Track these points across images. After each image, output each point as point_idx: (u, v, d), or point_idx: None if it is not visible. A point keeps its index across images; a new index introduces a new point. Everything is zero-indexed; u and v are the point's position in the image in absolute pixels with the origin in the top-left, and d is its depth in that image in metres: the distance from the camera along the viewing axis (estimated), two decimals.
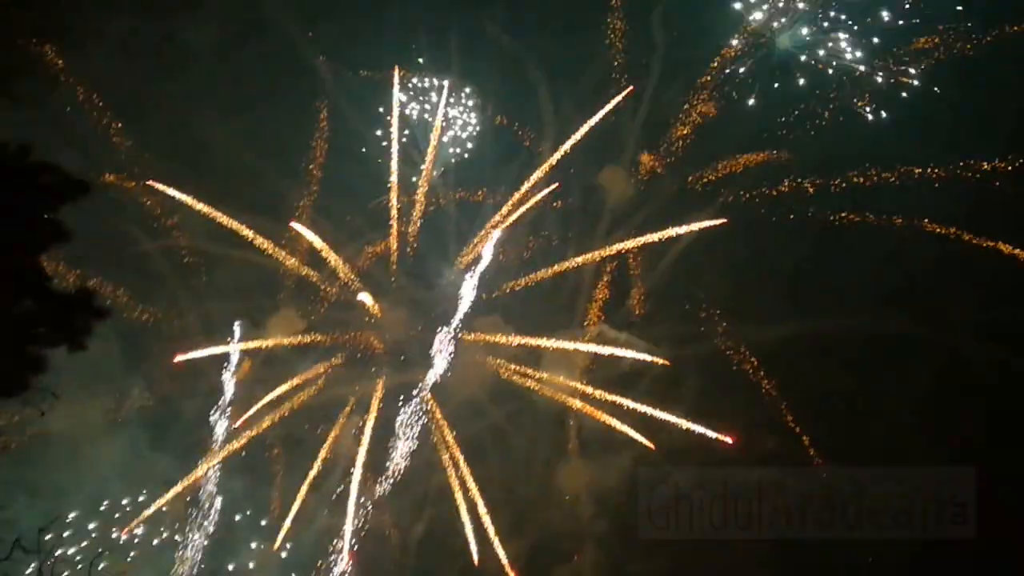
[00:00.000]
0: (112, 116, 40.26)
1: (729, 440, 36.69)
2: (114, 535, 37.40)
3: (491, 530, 37.47)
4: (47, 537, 22.00)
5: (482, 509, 37.62)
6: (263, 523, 39.56)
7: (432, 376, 38.85)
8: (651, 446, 36.84)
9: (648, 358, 37.85)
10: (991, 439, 35.81)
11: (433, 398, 39.15)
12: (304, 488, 38.37)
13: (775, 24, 39.63)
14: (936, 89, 38.64)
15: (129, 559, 37.63)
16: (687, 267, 40.06)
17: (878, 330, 37.60)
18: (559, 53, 40.94)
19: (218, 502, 39.01)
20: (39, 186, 15.53)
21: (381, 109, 41.05)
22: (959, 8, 38.47)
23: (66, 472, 36.66)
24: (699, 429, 36.83)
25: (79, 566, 35.60)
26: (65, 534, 36.03)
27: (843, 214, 39.24)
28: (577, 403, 38.70)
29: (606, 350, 38.72)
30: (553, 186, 39.77)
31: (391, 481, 38.31)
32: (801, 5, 39.31)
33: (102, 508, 37.77)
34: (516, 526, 38.47)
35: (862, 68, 39.13)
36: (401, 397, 39.05)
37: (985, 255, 37.57)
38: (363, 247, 41.16)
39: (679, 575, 37.14)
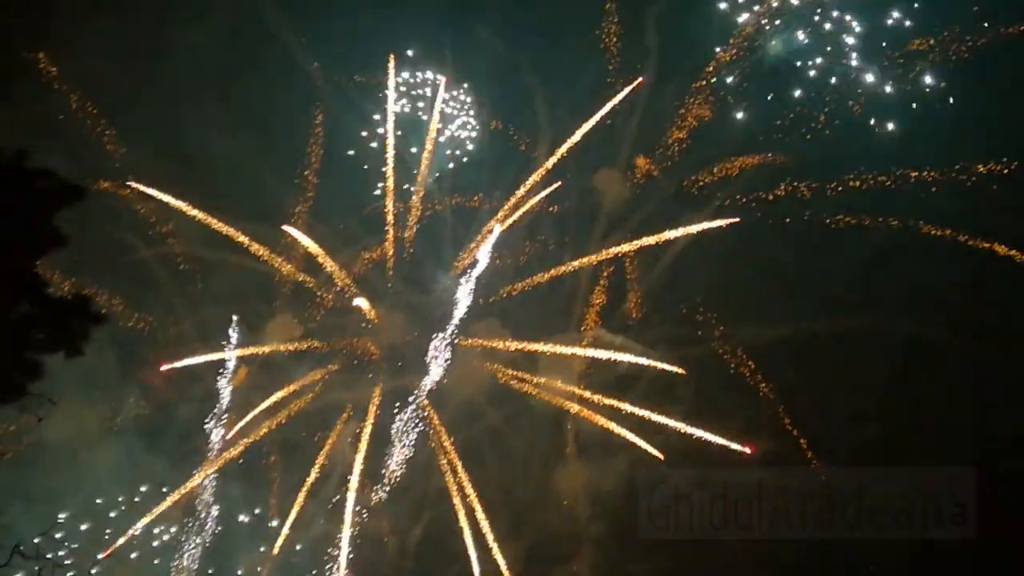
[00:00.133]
0: (106, 123, 40.25)
1: (748, 450, 36.68)
2: (99, 556, 37.18)
3: (489, 536, 37.43)
4: (36, 541, 21.93)
5: (480, 514, 37.58)
6: (260, 530, 39.42)
7: (429, 382, 38.85)
8: (660, 456, 36.81)
9: (645, 361, 37.89)
10: (991, 439, 35.82)
11: (430, 404, 39.13)
12: (302, 495, 38.28)
13: (768, 27, 39.77)
14: (932, 90, 38.81)
15: (128, 564, 37.48)
16: (683, 270, 40.10)
17: (876, 331, 37.62)
18: (554, 58, 41.08)
19: (215, 510, 38.91)
20: (35, 190, 15.50)
21: (376, 117, 41.14)
22: (956, 10, 38.61)
23: (63, 479, 36.53)
24: (717, 439, 36.81)
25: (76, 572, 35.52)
26: (58, 534, 35.84)
27: (839, 217, 39.27)
28: (574, 407, 38.69)
29: (603, 354, 38.73)
30: (556, 185, 39.81)
31: (388, 487, 38.25)
32: (795, 2, 39.43)
33: (98, 513, 37.63)
34: (514, 529, 38.42)
35: (858, 71, 39.26)
36: (397, 404, 39.08)
37: (982, 256, 37.67)
38: (359, 252, 41.14)
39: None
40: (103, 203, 38.52)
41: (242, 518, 39.63)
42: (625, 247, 39.57)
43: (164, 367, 38.37)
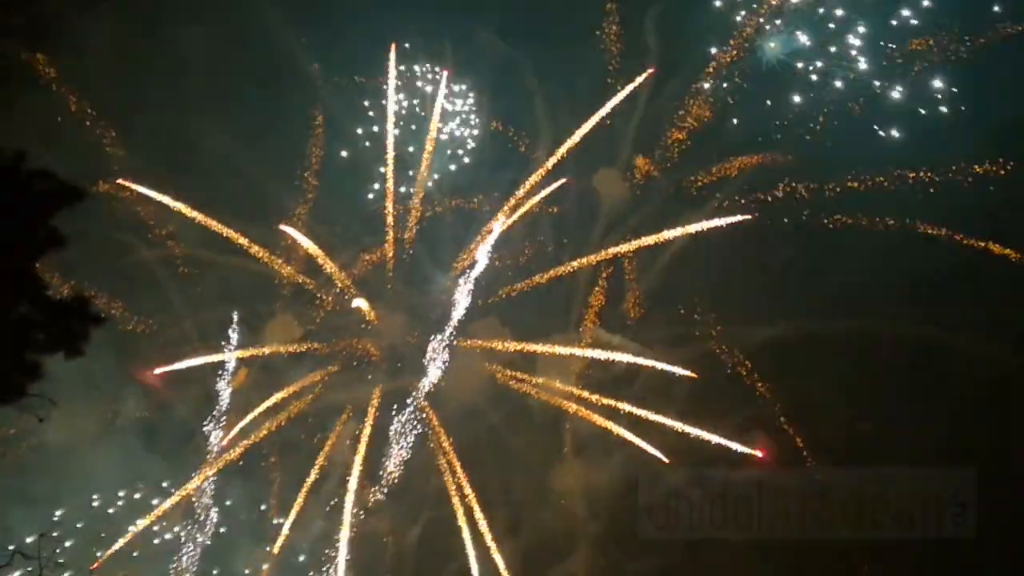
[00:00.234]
0: (105, 123, 40.22)
1: (759, 453, 36.66)
2: (99, 555, 37.13)
3: (488, 536, 37.43)
4: (28, 541, 21.89)
5: (479, 514, 37.59)
6: (260, 530, 39.41)
7: (427, 382, 38.85)
8: (665, 460, 36.80)
9: (644, 361, 37.89)
10: (991, 439, 35.81)
11: (429, 404, 39.13)
12: (301, 496, 38.27)
13: (768, 28, 39.79)
14: (932, 90, 38.81)
15: (129, 563, 37.48)
16: (682, 270, 40.10)
17: (874, 332, 37.62)
18: (554, 59, 41.02)
19: (214, 512, 38.90)
20: (35, 191, 15.49)
21: (374, 116, 41.08)
22: (956, 10, 38.61)
23: (62, 480, 36.51)
24: (733, 445, 36.77)
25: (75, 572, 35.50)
26: (55, 533, 35.80)
27: (838, 217, 39.27)
28: (572, 406, 38.70)
29: (601, 354, 38.73)
30: (560, 181, 39.76)
31: (387, 488, 38.25)
32: (795, 1, 39.44)
33: (98, 514, 37.62)
34: (513, 529, 38.42)
35: (857, 71, 39.26)
36: (396, 405, 39.07)
37: (981, 256, 37.68)
38: (359, 253, 41.13)
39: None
40: (102, 204, 38.57)
41: (242, 518, 39.64)
42: (624, 247, 39.63)
43: (163, 368, 38.35)
